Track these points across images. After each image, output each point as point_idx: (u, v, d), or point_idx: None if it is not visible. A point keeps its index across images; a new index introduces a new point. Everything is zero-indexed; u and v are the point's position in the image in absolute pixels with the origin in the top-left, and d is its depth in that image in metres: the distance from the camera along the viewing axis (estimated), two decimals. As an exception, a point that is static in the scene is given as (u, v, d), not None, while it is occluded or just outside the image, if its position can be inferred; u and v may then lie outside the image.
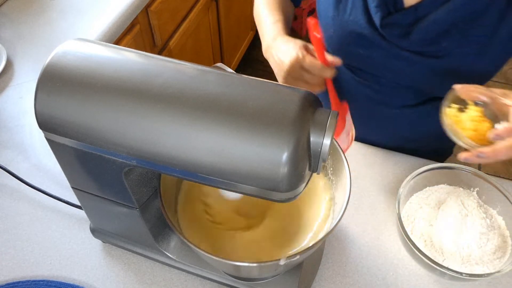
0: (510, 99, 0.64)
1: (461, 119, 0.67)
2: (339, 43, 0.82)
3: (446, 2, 0.71)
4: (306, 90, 0.44)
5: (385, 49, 0.79)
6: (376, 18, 0.77)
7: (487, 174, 0.73)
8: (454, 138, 0.66)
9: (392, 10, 0.77)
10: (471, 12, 0.71)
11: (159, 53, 1.47)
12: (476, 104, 0.67)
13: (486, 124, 0.65)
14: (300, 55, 0.71)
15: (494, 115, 0.66)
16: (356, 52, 0.82)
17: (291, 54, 0.71)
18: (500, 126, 0.62)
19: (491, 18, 0.71)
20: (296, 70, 0.71)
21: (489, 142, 0.63)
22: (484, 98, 0.66)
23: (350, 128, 0.79)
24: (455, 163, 0.75)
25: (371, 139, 0.90)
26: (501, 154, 0.60)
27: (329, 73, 0.71)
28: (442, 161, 0.91)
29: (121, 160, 0.48)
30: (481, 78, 0.72)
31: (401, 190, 0.71)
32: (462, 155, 0.61)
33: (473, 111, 0.67)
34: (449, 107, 0.67)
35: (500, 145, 0.60)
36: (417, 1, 0.74)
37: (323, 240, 0.54)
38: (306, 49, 0.72)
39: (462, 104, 0.68)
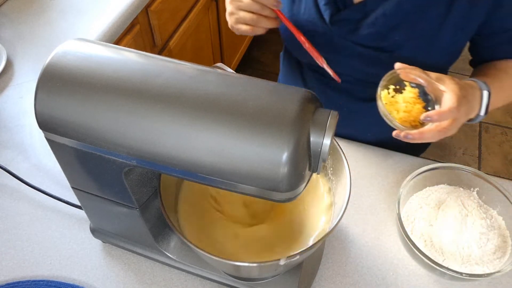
0: (444, 84, 0.66)
1: (396, 99, 0.69)
2: (298, 43, 0.82)
3: None
4: (306, 90, 0.44)
5: (340, 46, 0.81)
6: (326, 16, 0.79)
7: (487, 174, 0.73)
8: (386, 120, 0.69)
9: (341, 7, 0.78)
10: (418, 4, 0.73)
11: (159, 53, 1.47)
12: (412, 86, 0.70)
13: (418, 106, 0.68)
14: None
15: (432, 98, 0.70)
16: None
17: None
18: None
19: (438, 10, 0.73)
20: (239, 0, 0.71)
21: (421, 124, 0.68)
22: (421, 81, 0.68)
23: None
24: (455, 163, 0.75)
25: (349, 136, 0.90)
26: (427, 137, 0.64)
27: (271, 1, 0.69)
28: (418, 155, 0.91)
29: (121, 160, 0.48)
30: (435, 70, 0.73)
31: (401, 190, 0.71)
32: (393, 133, 0.67)
33: (408, 92, 0.69)
34: (387, 88, 0.70)
35: (427, 128, 0.65)
36: None
37: (323, 240, 0.54)
38: None
39: (401, 86, 0.70)
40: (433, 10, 0.74)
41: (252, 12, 0.72)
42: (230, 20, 0.76)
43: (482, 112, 0.71)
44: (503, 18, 0.75)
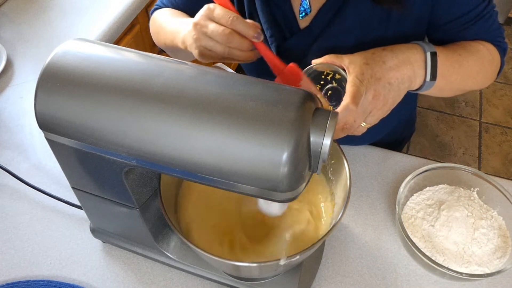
0: (348, 73, 0.59)
1: None
2: (259, 73, 0.81)
3: (336, 15, 0.71)
4: (306, 90, 0.44)
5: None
6: (273, 48, 0.77)
7: (487, 174, 0.73)
8: None
9: (288, 35, 0.76)
10: (361, 18, 0.71)
11: (159, 53, 1.46)
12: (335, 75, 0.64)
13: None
14: (211, 6, 0.60)
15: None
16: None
17: (201, 10, 0.61)
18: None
19: (380, 18, 0.71)
20: (207, 25, 0.60)
21: None
22: (336, 65, 0.62)
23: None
24: (455, 163, 0.75)
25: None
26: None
27: (249, 30, 0.58)
28: (400, 150, 0.89)
29: (121, 160, 0.48)
30: None
31: (401, 190, 0.71)
32: None
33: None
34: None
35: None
36: (310, 22, 0.74)
37: (323, 240, 0.54)
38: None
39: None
40: (376, 20, 0.71)
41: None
42: (193, 48, 0.64)
43: (428, 77, 0.63)
44: (450, 6, 0.70)
